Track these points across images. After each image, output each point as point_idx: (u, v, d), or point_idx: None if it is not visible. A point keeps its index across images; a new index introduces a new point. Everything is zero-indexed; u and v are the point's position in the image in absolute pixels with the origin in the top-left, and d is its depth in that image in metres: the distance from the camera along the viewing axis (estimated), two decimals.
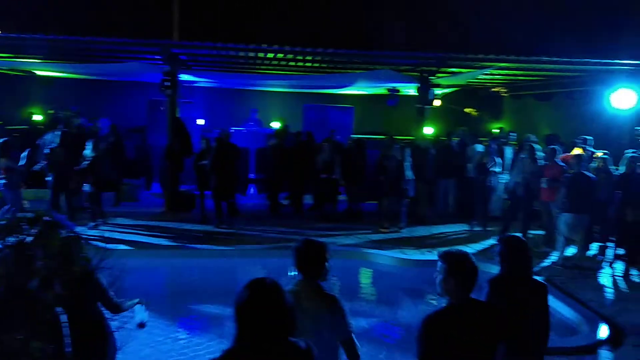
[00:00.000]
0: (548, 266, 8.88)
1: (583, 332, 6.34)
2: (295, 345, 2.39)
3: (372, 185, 11.76)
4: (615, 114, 12.21)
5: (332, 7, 19.15)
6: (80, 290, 3.44)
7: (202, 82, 14.19)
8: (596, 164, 9.55)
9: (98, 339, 3.71)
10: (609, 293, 7.82)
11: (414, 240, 10.32)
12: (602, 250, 9.48)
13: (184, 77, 12.62)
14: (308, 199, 12.59)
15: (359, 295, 8.01)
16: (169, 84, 11.63)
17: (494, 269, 3.73)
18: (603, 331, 6.21)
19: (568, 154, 10.43)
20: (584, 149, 10.70)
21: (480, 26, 17.61)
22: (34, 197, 10.90)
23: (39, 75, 14.51)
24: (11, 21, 14.20)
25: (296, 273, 3.25)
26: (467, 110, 17.48)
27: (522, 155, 10.36)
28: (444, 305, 3.06)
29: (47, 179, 10.39)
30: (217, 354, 2.36)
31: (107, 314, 3.87)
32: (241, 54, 11.96)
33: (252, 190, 14.57)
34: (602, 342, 5.95)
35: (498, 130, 13.20)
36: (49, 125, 13.10)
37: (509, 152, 12.41)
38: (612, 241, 9.28)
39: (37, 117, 16.09)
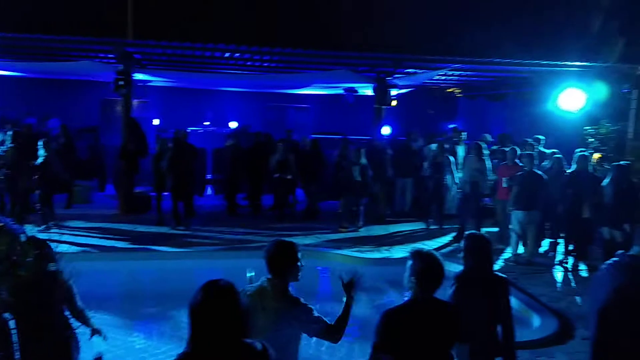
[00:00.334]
0: (501, 262, 9.10)
1: (535, 326, 6.52)
2: (251, 347, 2.38)
3: (330, 184, 11.82)
4: (564, 113, 12.60)
5: (290, 8, 19.13)
6: (32, 295, 3.37)
7: (157, 81, 13.96)
8: (549, 163, 9.83)
9: (63, 342, 3.64)
10: (560, 288, 8.07)
11: (372, 239, 10.41)
12: (552, 246, 9.77)
13: (139, 76, 12.38)
14: (267, 200, 12.55)
15: (317, 294, 8.04)
16: (122, 83, 11.40)
17: (452, 267, 3.82)
18: (554, 325, 6.40)
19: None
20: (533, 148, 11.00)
21: (436, 28, 17.91)
22: None
23: None
24: None
25: (253, 274, 3.26)
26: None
27: (470, 154, 10.61)
28: (405, 300, 3.11)
29: None
30: (173, 358, 2.33)
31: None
32: (197, 53, 11.81)
33: (209, 191, 14.43)
34: (553, 336, 6.13)
35: (452, 130, 13.44)
36: None
37: (461, 150, 12.65)
38: (562, 237, 9.58)
39: None
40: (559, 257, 9.40)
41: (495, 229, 10.47)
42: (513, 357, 3.82)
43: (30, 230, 8.51)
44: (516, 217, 9.07)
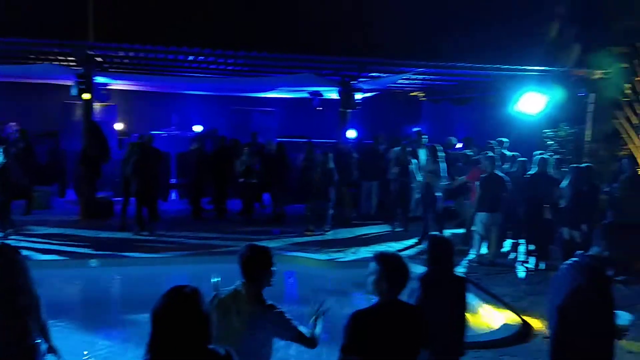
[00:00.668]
0: (465, 263, 9.25)
1: (497, 325, 6.64)
2: (214, 353, 2.37)
3: (296, 188, 11.81)
4: (525, 116, 12.89)
5: (254, 11, 19.07)
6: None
7: (119, 84, 13.73)
8: (510, 165, 10.04)
9: (28, 351, 3.54)
10: (521, 287, 8.23)
11: (338, 242, 10.44)
12: (514, 247, 9.97)
13: (100, 79, 12.16)
14: (232, 204, 12.46)
15: (285, 297, 8.02)
16: (83, 86, 11.18)
17: (418, 268, 3.87)
18: (516, 324, 6.53)
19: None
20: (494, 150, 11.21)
21: (400, 33, 18.10)
22: None
23: None
24: None
25: (219, 279, 3.25)
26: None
27: (426, 157, 10.77)
28: (372, 303, 3.14)
29: None
30: None
31: None
32: (160, 56, 11.67)
33: (173, 196, 14.24)
34: (515, 335, 6.25)
35: (416, 133, 13.60)
36: None
37: (423, 154, 12.80)
38: (523, 238, 9.79)
39: None
40: (521, 257, 9.59)
41: (461, 230, 10.66)
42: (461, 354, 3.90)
43: None
44: (479, 218, 9.23)
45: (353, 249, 9.86)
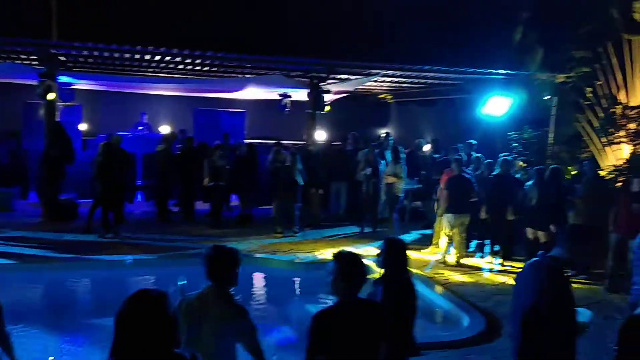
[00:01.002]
0: (432, 264, 9.36)
1: (463, 325, 6.73)
2: (180, 357, 2.34)
3: (265, 189, 11.77)
4: (491, 119, 13.12)
5: (223, 11, 18.94)
6: None
7: (83, 84, 13.47)
8: (474, 167, 10.21)
9: None
10: (487, 287, 8.37)
11: (307, 243, 10.44)
12: (480, 247, 10.13)
13: (64, 78, 11.91)
14: (199, 206, 12.34)
15: (253, 299, 7.98)
16: (47, 86, 10.93)
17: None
18: (481, 324, 6.63)
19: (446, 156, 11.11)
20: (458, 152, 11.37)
21: (368, 36, 18.24)
22: None
23: None
24: None
25: (185, 282, 3.22)
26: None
27: (388, 159, 10.90)
28: (333, 303, 3.16)
29: None
30: None
31: None
32: (127, 55, 11.50)
33: (139, 197, 14.04)
34: (481, 334, 6.35)
35: (384, 135, 13.73)
36: None
37: (389, 155, 12.91)
38: (488, 239, 9.95)
39: None
40: (486, 257, 9.75)
41: (428, 231, 10.79)
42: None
43: None
44: (446, 219, 9.36)
45: (321, 250, 9.88)
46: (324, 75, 12.68)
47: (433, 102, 17.55)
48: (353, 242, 10.53)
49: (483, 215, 9.49)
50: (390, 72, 12.68)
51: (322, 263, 8.98)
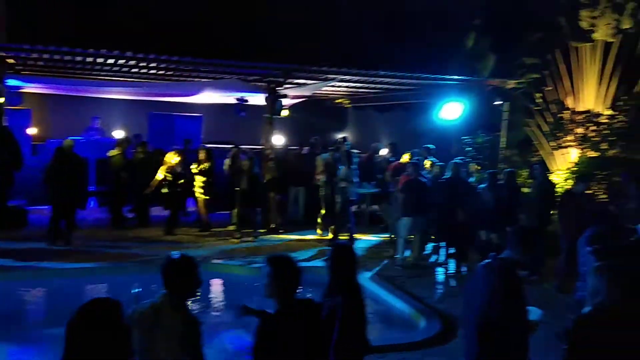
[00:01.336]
0: (389, 266, 9.45)
1: (420, 327, 6.83)
2: None
3: (223, 194, 11.65)
4: (447, 124, 13.38)
5: (180, 14, 18.70)
6: None
7: (34, 87, 13.06)
8: (432, 171, 10.38)
9: None
10: (442, 289, 8.52)
11: (265, 248, 10.39)
12: (436, 250, 10.30)
13: (12, 82, 11.53)
14: (155, 212, 12.13)
15: (210, 306, 7.89)
16: None
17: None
18: (437, 325, 6.74)
19: (399, 161, 11.27)
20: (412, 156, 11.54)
21: (325, 40, 18.32)
22: None
23: None
24: None
25: (140, 290, 3.16)
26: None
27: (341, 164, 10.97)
28: (273, 310, 3.19)
29: None
30: None
31: None
32: (78, 58, 11.22)
33: (92, 204, 13.68)
34: (437, 336, 6.45)
35: (341, 139, 13.80)
36: None
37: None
38: (444, 241, 10.13)
39: None
40: (441, 260, 9.91)
41: (386, 235, 10.91)
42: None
43: None
44: (403, 222, 9.48)
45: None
46: (281, 79, 12.67)
47: (390, 107, 17.78)
48: (311, 247, 10.55)
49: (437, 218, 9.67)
50: (347, 77, 12.76)
51: None
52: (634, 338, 3.03)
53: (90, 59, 11.32)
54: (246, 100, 13.82)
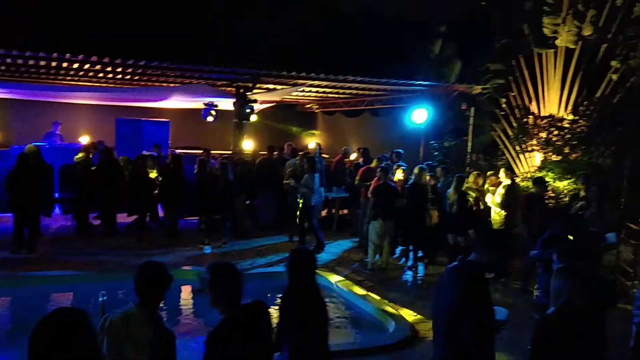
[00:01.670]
0: (358, 270, 9.50)
1: (390, 330, 6.87)
2: None
3: (192, 201, 11.54)
4: (414, 129, 13.53)
5: (147, 19, 18.49)
6: None
7: None
8: (399, 176, 10.48)
9: None
10: (411, 292, 8.59)
11: (234, 254, 10.33)
12: (405, 253, 10.39)
13: None
14: (121, 218, 11.93)
15: (179, 312, 7.81)
16: None
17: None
18: (407, 328, 6.79)
19: (368, 166, 11.35)
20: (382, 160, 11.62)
21: (294, 46, 18.35)
22: None
23: None
24: None
25: (105, 298, 3.11)
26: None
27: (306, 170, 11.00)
28: (220, 319, 3.18)
29: None
30: None
31: None
32: (42, 63, 11.00)
33: (57, 211, 13.39)
34: (406, 339, 6.50)
35: (313, 145, 13.85)
36: None
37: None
38: (412, 244, 10.23)
39: None
40: (410, 263, 10.01)
41: (355, 239, 10.95)
42: None
43: None
44: (372, 226, 9.54)
45: (250, 261, 9.82)
46: (249, 84, 12.65)
47: (360, 112, 17.90)
48: (281, 252, 10.52)
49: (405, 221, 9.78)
50: (316, 82, 12.82)
51: (251, 274, 8.95)
52: (596, 339, 3.12)
53: (54, 63, 11.13)
54: (215, 105, 13.76)
